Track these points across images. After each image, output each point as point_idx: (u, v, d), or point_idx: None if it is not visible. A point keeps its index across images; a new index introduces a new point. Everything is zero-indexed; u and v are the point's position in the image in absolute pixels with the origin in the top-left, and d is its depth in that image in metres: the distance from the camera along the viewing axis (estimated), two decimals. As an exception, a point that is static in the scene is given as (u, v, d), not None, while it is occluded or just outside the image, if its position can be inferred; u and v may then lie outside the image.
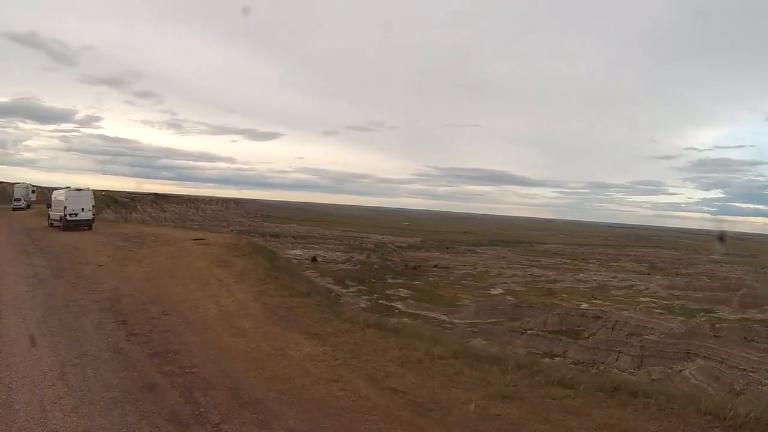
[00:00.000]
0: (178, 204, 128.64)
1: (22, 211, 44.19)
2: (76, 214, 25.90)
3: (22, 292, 11.35)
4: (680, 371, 42.92)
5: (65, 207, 25.55)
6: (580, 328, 55.96)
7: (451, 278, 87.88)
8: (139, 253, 18.70)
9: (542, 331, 54.69)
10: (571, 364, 45.18)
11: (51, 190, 30.71)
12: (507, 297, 71.05)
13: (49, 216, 28.44)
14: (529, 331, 54.48)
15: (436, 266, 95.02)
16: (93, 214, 27.01)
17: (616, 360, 48.33)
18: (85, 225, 26.54)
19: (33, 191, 56.80)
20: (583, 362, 47.54)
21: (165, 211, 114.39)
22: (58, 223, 26.54)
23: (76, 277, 13.45)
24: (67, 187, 26.81)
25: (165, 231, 28.34)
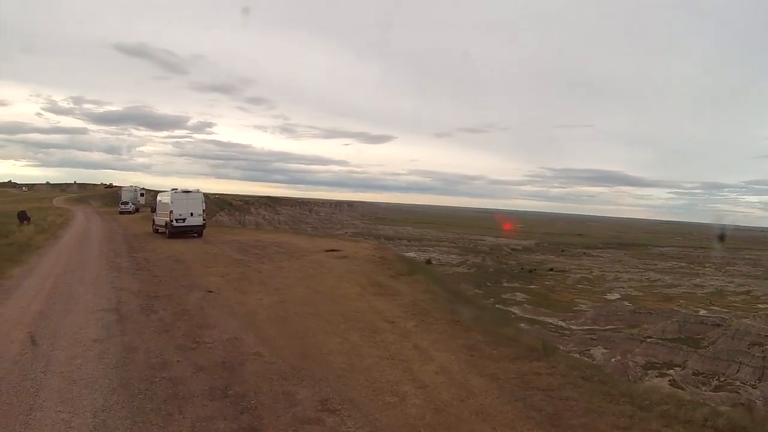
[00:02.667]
0: (291, 207, 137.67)
1: (129, 216, 45.48)
2: (184, 220, 24.26)
3: (87, 343, 7.71)
4: (805, 384, 44.03)
5: (171, 211, 24.03)
6: (699, 336, 57.91)
7: (567, 282, 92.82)
8: (261, 272, 15.17)
9: (661, 338, 56.63)
10: (691, 375, 50.07)
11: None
12: (624, 302, 75.79)
13: (153, 221, 27.43)
14: (648, 339, 56.42)
15: (551, 270, 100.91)
16: (204, 220, 25.20)
17: (737, 371, 49.44)
18: (195, 231, 24.86)
19: (142, 194, 59.69)
20: (704, 373, 50.04)
21: (279, 214, 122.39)
22: (164, 229, 25.11)
23: (174, 312, 9.76)
24: (173, 189, 25.20)
25: (289, 239, 25.37)
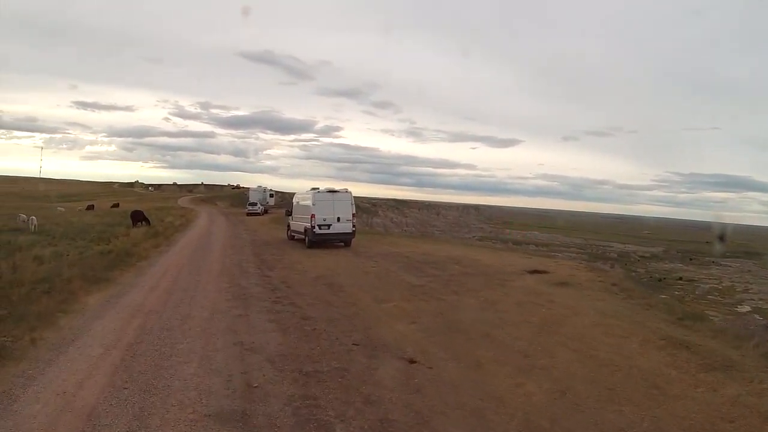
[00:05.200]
0: (418, 210, 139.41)
1: (258, 218, 44.27)
2: (329, 226, 20.55)
3: None
4: None
5: (313, 215, 20.43)
6: (832, 352, 52.20)
7: (697, 293, 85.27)
8: (466, 311, 10.10)
9: (793, 356, 50.15)
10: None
11: (292, 195, 26.64)
12: (755, 316, 66.52)
13: (288, 226, 24.44)
14: (781, 356, 50.42)
15: (680, 279, 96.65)
16: (353, 226, 21.19)
17: None
18: (342, 240, 21.16)
19: (271, 195, 59.74)
20: (837, 392, 44.84)
21: (406, 216, 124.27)
22: (301, 236, 21.79)
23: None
24: (314, 188, 21.75)
25: (463, 252, 20.39)
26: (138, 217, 27.98)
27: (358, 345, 7.40)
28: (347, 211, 20.75)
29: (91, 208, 51.89)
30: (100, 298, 9.62)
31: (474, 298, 11.51)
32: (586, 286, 13.74)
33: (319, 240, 20.32)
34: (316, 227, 20.25)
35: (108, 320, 8.12)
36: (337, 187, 21.39)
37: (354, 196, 21.31)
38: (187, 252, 17.94)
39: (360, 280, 13.00)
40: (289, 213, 24.41)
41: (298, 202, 23.12)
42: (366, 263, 16.06)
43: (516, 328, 9.00)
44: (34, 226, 22.71)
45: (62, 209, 47.51)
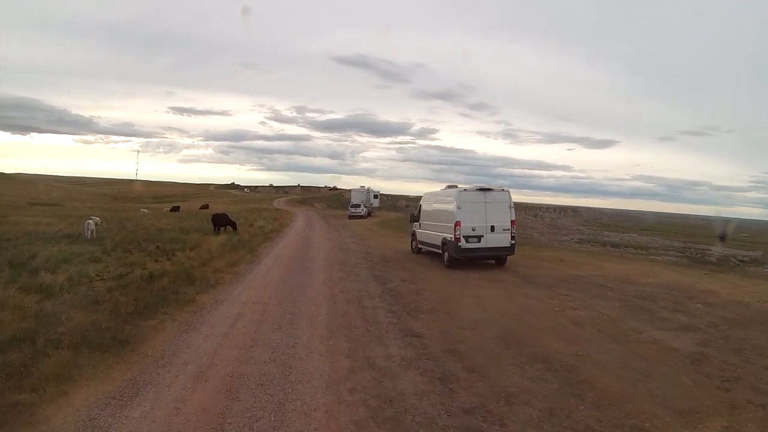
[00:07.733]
0: (516, 211, 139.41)
1: (361, 221, 40.83)
2: (479, 237, 15.28)
3: None
4: None
5: (457, 222, 15.33)
6: None
7: None
8: None
9: None
10: None
11: (395, 197, 21.16)
12: None
13: (414, 236, 19.72)
14: None
15: None
16: (513, 237, 15.69)
17: None
18: (494, 257, 15.97)
19: (375, 196, 56.48)
20: None
21: None
22: (434, 250, 17.19)
23: None
24: (451, 185, 16.80)
25: (668, 275, 14.77)
26: (221, 222, 23.74)
27: None
28: (504, 218, 15.39)
29: (176, 209, 49.80)
30: (84, 407, 4.63)
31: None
32: None
33: (464, 257, 15.11)
34: (462, 239, 14.99)
35: None
36: (487, 185, 15.78)
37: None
38: (277, 274, 12.92)
39: (583, 344, 7.35)
40: (415, 218, 19.37)
41: (430, 205, 17.91)
42: (558, 301, 10.38)
43: None
44: (91, 231, 18.82)
45: (145, 211, 45.57)
